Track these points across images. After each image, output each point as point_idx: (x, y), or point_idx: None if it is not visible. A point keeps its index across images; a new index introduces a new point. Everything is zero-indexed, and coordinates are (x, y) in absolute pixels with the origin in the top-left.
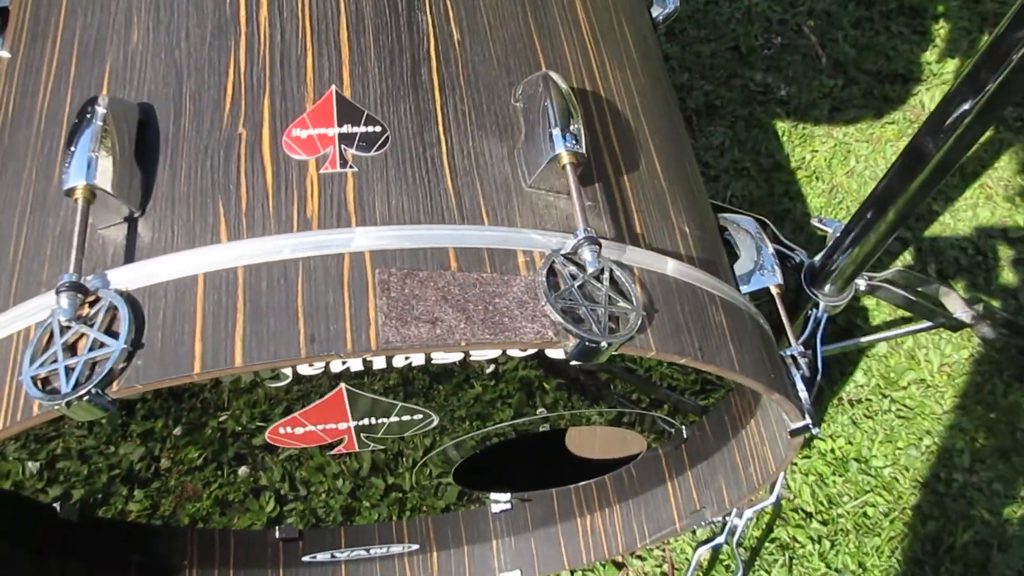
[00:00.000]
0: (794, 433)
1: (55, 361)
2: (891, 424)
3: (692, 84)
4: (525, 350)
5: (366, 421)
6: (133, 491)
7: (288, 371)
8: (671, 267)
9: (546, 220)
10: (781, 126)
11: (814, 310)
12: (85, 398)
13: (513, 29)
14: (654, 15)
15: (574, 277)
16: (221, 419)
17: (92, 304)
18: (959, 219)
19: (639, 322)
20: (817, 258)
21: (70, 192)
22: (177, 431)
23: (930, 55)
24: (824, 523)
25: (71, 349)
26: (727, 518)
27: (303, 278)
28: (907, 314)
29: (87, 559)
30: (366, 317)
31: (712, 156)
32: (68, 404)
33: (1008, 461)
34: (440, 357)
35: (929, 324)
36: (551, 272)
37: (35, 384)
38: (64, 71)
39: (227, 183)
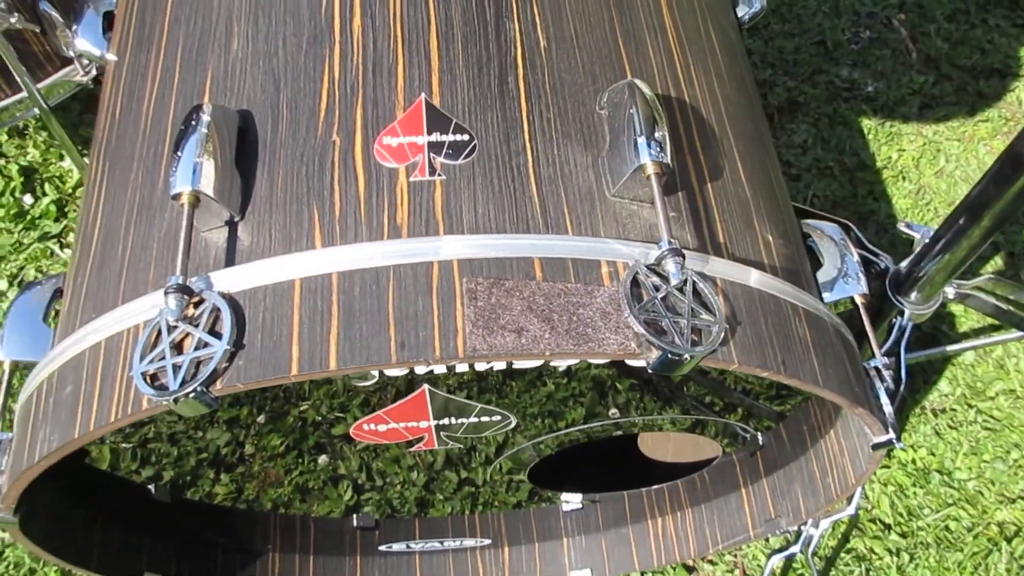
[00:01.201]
0: (876, 447)
1: (163, 359)
2: (977, 436)
3: (775, 80)
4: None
5: (446, 421)
6: (220, 475)
7: (376, 372)
8: (754, 278)
9: (629, 230)
10: (867, 124)
11: (899, 318)
12: (191, 395)
13: (599, 36)
14: (740, 15)
15: (657, 288)
16: (302, 408)
17: (197, 305)
18: None
19: (722, 335)
20: (903, 264)
21: (176, 197)
22: (261, 419)
23: None
24: (903, 535)
25: (178, 347)
26: (802, 527)
27: (394, 285)
28: (996, 321)
29: (176, 540)
30: (454, 325)
31: (794, 155)
32: (176, 400)
33: None
34: (523, 365)
35: (1020, 334)
36: (634, 283)
37: (145, 380)
38: (168, 77)
39: (321, 190)
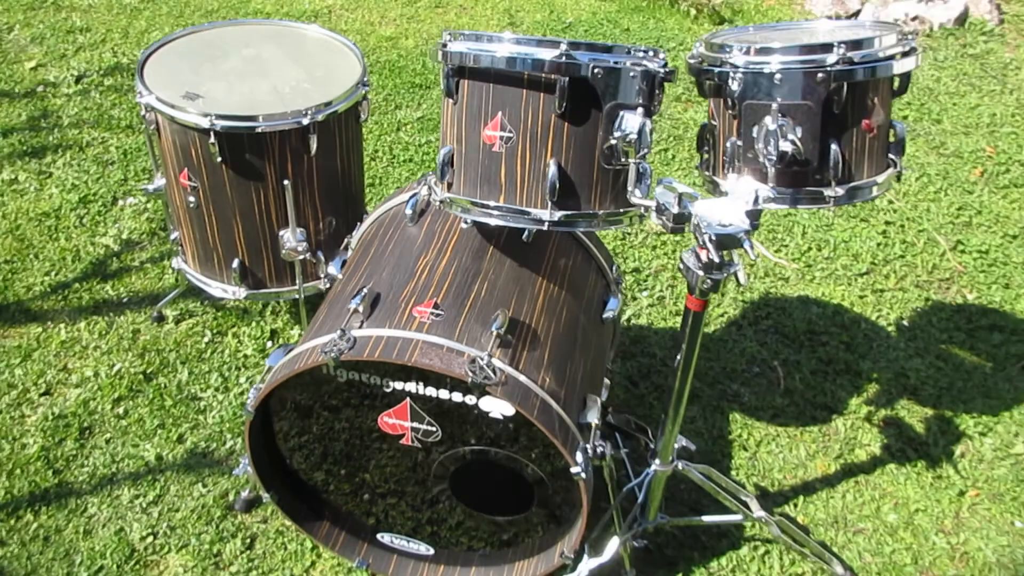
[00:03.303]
0: (574, 474)
1: (331, 348)
2: None
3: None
4: (462, 388)
5: (414, 424)
6: (317, 492)
7: (391, 384)
8: (522, 379)
9: (484, 348)
10: (735, 417)
11: (648, 468)
12: (334, 358)
13: (506, 294)
14: (604, 314)
15: (479, 363)
16: (365, 476)
17: (345, 335)
18: (863, 515)
19: (495, 382)
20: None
21: (349, 308)
22: (342, 472)
23: (856, 400)
24: None
25: (334, 346)
26: (580, 566)
27: (402, 342)
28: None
29: (293, 487)
30: (417, 354)
31: (685, 423)
32: (331, 360)
33: None
34: (443, 396)
35: (739, 516)
36: (472, 359)
37: (323, 353)
38: (359, 283)
39: (394, 317)
